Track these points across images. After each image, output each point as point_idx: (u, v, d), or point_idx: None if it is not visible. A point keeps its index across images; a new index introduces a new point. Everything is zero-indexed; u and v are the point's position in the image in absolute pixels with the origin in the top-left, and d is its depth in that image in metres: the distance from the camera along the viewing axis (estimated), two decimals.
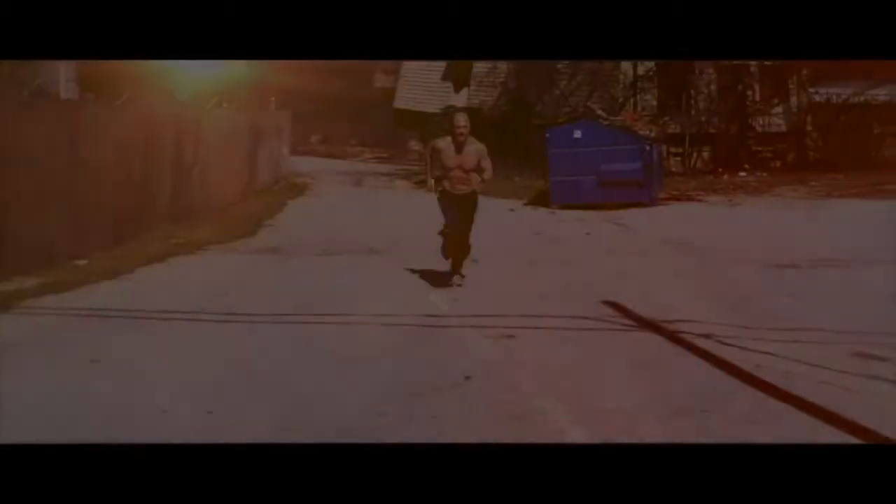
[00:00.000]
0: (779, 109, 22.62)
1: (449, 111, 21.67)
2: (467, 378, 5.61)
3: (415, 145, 26.24)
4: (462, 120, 8.42)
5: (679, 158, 21.72)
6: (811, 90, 22.31)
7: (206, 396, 5.34)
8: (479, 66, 24.07)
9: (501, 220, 13.22)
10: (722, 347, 6.28)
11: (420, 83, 27.30)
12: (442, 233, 8.82)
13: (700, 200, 16.18)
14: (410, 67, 27.69)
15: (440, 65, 26.23)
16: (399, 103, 28.33)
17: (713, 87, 22.69)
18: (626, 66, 21.73)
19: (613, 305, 7.63)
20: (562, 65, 21.72)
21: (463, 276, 8.73)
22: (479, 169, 8.45)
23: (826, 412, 4.94)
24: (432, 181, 8.82)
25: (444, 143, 8.43)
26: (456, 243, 8.68)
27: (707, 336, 6.57)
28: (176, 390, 5.43)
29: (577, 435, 4.66)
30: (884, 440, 4.54)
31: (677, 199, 16.28)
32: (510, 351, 6.22)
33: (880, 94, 21.66)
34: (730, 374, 5.68)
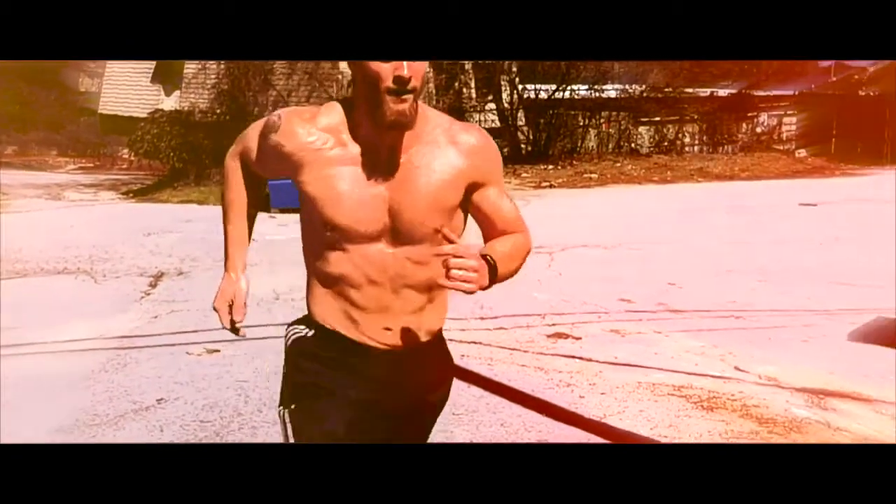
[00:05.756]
0: (492, 106, 23.63)
1: (156, 115, 20.50)
2: (160, 400, 5.23)
3: (125, 153, 24.70)
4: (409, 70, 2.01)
5: None
6: (521, 87, 23.49)
7: None
8: (190, 67, 23.02)
9: (215, 227, 12.63)
10: None
11: (127, 86, 25.70)
12: None
13: None
14: (115, 70, 26.00)
15: (148, 67, 24.83)
16: (105, 108, 26.49)
17: (431, 85, 23.24)
18: (344, 65, 21.66)
19: None
20: (278, 64, 21.29)
21: None
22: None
23: (524, 395, 5.07)
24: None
25: (333, 151, 2.16)
26: None
27: None
28: None
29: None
30: (575, 417, 4.70)
31: None
32: (212, 366, 5.85)
33: (581, 88, 23.27)
34: None
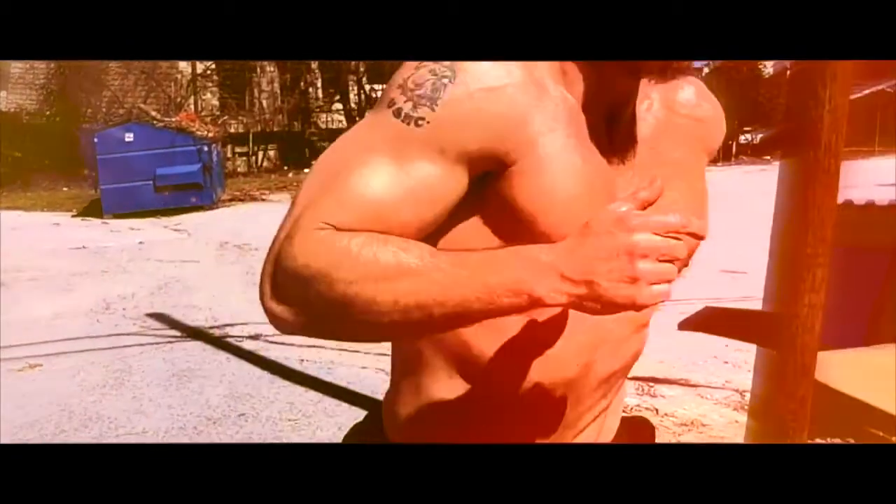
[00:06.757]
0: (339, 106, 23.44)
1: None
2: None
3: None
4: None
5: (245, 158, 21.55)
6: (368, 87, 23.40)
7: None
8: (16, 66, 21.69)
9: (42, 235, 11.98)
10: (269, 346, 6.14)
11: None
12: None
13: (264, 200, 16.12)
14: None
15: None
16: None
17: (276, 85, 22.84)
18: (183, 64, 20.99)
19: (158, 317, 7.15)
20: (114, 64, 20.37)
21: None
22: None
23: (364, 398, 5.01)
24: None
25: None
26: None
27: (255, 337, 6.38)
28: None
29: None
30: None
31: (241, 199, 16.05)
32: (32, 382, 5.53)
33: None
34: (273, 373, 5.56)
